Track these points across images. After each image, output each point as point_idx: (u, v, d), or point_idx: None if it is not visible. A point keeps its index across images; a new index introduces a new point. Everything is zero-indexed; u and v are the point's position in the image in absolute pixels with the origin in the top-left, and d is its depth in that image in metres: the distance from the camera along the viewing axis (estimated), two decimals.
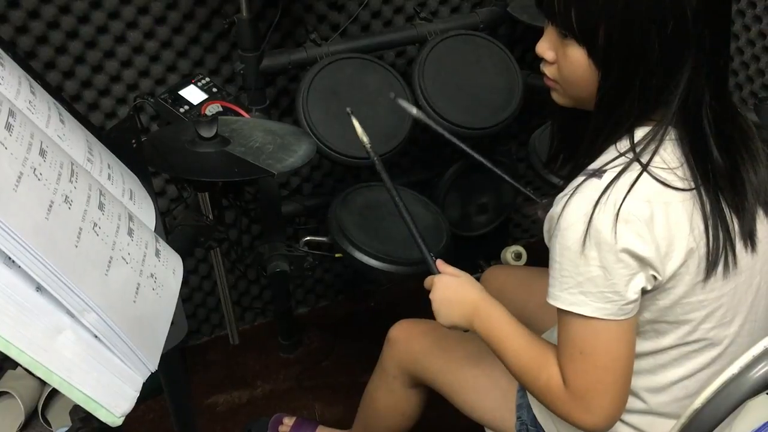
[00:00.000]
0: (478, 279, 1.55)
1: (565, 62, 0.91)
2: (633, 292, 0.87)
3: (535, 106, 1.86)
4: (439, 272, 1.11)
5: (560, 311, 0.91)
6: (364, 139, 1.18)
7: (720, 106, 0.90)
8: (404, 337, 1.32)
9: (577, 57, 0.89)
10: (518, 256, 1.84)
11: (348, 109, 1.19)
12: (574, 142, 1.01)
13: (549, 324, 1.21)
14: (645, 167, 0.86)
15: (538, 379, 0.96)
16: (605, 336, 0.89)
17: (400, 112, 1.60)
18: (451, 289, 1.08)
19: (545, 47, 0.94)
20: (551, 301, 0.92)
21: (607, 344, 0.89)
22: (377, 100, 1.59)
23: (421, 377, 1.30)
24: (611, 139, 0.90)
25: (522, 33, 1.90)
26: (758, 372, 0.81)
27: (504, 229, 2.12)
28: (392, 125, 1.59)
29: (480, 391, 1.20)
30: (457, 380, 1.22)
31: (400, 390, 1.35)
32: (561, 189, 0.93)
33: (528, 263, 1.86)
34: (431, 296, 1.09)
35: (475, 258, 1.96)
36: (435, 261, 1.13)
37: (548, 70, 0.96)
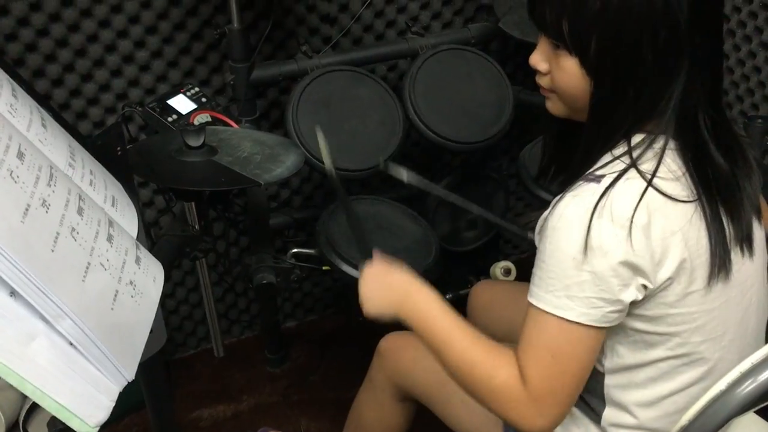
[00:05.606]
0: (466, 294, 1.55)
1: (559, 72, 0.91)
2: (621, 302, 0.86)
3: (525, 121, 1.86)
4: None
5: (536, 310, 0.88)
6: (326, 160, 1.13)
7: (716, 114, 0.90)
8: (394, 349, 1.31)
9: (569, 67, 0.89)
10: (507, 272, 1.84)
11: (317, 127, 1.17)
12: (566, 155, 1.00)
13: None
14: (650, 182, 0.85)
15: (494, 377, 0.91)
16: (583, 343, 0.87)
17: (390, 126, 1.60)
18: (380, 274, 1.05)
19: (538, 58, 0.94)
20: (533, 300, 0.89)
21: (581, 351, 0.88)
22: (368, 113, 1.59)
23: (409, 390, 1.28)
24: (606, 148, 0.90)
25: (514, 49, 1.91)
26: (745, 389, 0.80)
27: (494, 245, 2.11)
28: (382, 138, 1.59)
29: (467, 406, 1.18)
30: (445, 393, 1.21)
31: (389, 403, 1.33)
32: None
33: (517, 279, 1.85)
34: (359, 287, 1.05)
35: (464, 273, 1.94)
36: (371, 253, 1.07)
37: (543, 81, 0.96)
